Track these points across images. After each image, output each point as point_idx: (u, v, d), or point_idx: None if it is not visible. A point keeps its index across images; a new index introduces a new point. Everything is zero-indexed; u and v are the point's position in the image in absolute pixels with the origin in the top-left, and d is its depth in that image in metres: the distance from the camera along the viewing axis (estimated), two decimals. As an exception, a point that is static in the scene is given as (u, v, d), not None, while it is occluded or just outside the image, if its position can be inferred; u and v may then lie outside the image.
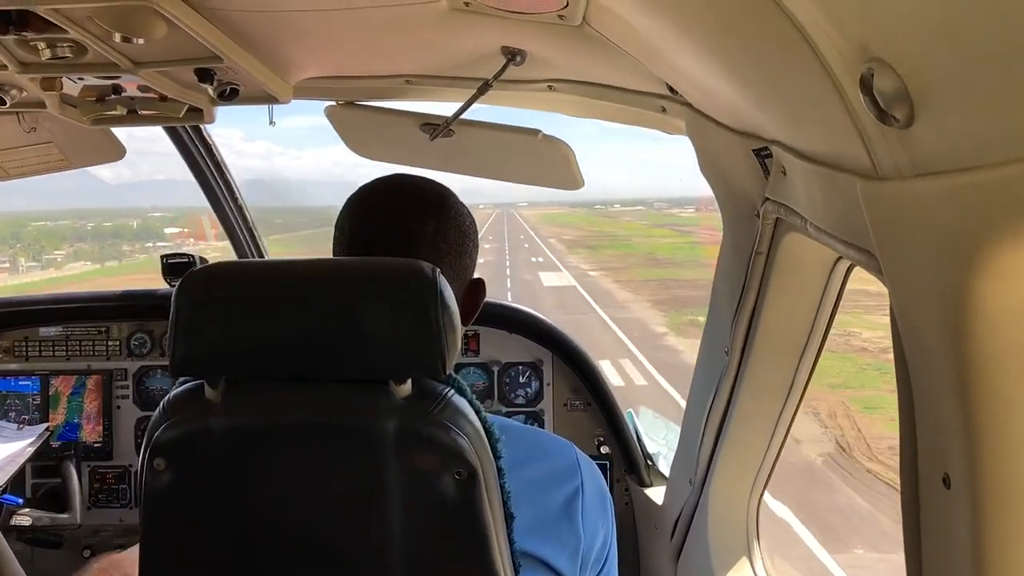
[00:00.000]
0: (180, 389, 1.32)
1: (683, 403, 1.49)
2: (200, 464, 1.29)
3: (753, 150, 1.43)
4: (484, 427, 1.30)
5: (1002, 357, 0.82)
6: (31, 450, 2.84)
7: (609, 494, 1.63)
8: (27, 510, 2.82)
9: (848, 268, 1.59)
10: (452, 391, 1.29)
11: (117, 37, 1.64)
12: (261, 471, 1.29)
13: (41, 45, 1.74)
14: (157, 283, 3.20)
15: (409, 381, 1.26)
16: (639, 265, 46.13)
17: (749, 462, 2.02)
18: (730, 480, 2.08)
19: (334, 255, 1.56)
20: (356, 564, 1.31)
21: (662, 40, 1.39)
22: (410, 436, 1.24)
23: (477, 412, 1.31)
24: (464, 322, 1.43)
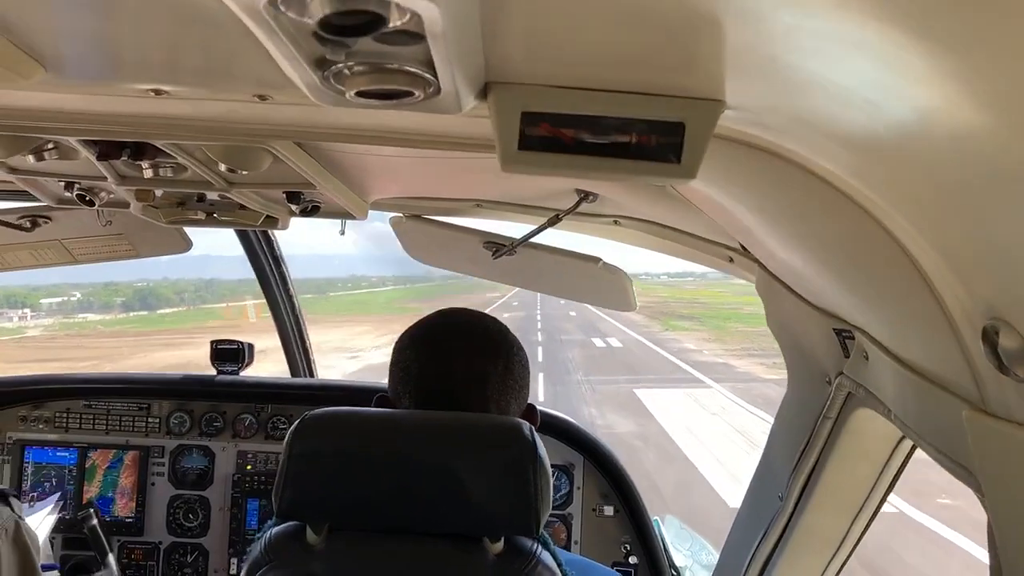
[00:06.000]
0: (281, 530, 1.37)
1: None
2: None
3: (834, 328, 1.50)
4: None
5: None
6: (52, 518, 2.86)
7: None
8: None
9: (913, 446, 1.65)
10: (539, 547, 1.35)
11: (222, 167, 1.72)
12: None
13: (144, 164, 1.82)
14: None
15: (502, 538, 1.32)
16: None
17: None
18: None
19: (392, 389, 1.57)
20: None
21: (750, 222, 1.47)
22: None
23: (559, 565, 1.37)
24: None
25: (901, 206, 0.94)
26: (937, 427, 1.17)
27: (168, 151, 1.66)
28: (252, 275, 3.37)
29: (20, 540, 1.61)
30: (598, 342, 31.21)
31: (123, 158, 1.71)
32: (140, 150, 1.70)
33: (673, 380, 21.81)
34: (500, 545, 1.32)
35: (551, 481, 1.36)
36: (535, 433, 1.35)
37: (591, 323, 39.44)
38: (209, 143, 1.58)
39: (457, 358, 1.54)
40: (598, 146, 0.91)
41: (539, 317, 40.45)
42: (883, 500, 1.78)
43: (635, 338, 32.31)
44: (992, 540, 1.07)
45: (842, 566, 1.92)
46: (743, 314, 43.72)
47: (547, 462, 1.34)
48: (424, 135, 1.37)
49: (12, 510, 1.63)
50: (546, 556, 1.35)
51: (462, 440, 1.35)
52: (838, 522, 1.84)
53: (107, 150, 1.68)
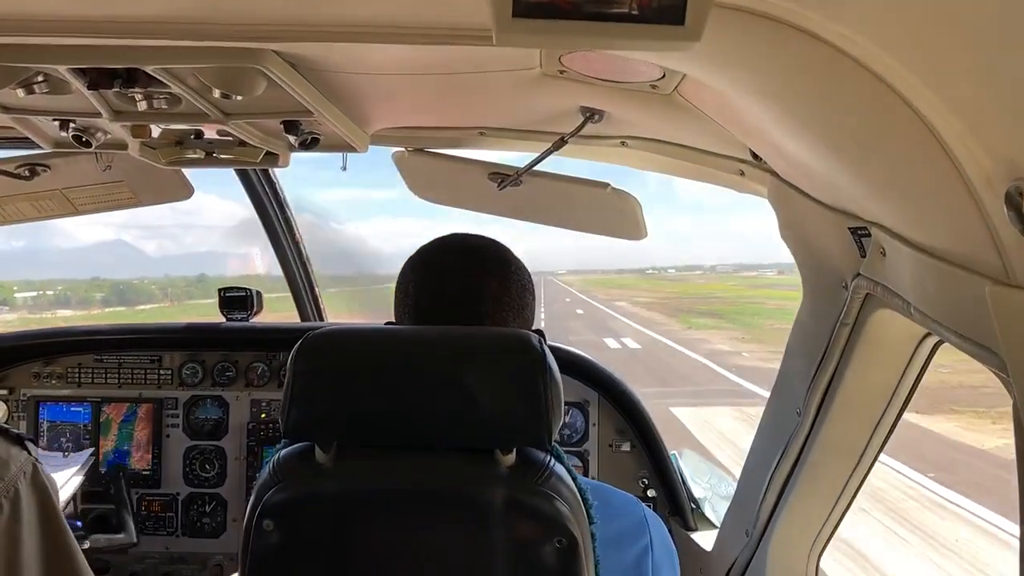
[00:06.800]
0: (289, 451, 1.35)
1: None
2: (308, 527, 1.31)
3: (849, 228, 1.46)
4: (580, 494, 1.34)
5: None
6: (79, 479, 2.87)
7: (674, 547, 1.65)
8: (83, 534, 2.86)
9: (935, 345, 1.61)
10: (552, 459, 1.32)
11: (216, 93, 1.68)
12: (368, 536, 1.32)
13: (138, 96, 1.78)
14: None
15: (514, 450, 1.29)
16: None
17: (813, 518, 2.03)
18: (792, 534, 2.10)
19: (396, 315, 1.58)
20: None
21: (760, 117, 1.42)
22: (516, 506, 1.27)
23: (573, 479, 1.34)
24: None
25: (914, 63, 0.90)
26: (959, 311, 1.14)
27: (160, 78, 1.62)
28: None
29: (39, 482, 1.60)
30: (612, 343, 26.07)
31: (115, 88, 1.67)
32: (132, 78, 1.66)
33: (718, 394, 16.12)
34: (512, 457, 1.30)
35: (561, 392, 1.33)
36: (544, 344, 1.32)
37: (601, 321, 36.37)
38: (198, 63, 1.53)
39: (451, 276, 1.54)
40: (597, 12, 0.86)
41: (543, 316, 35.91)
42: (903, 407, 1.74)
43: (655, 338, 26.83)
44: (1019, 422, 1.04)
45: (863, 479, 1.90)
46: (768, 309, 40.79)
47: (557, 372, 1.31)
48: (415, 27, 1.33)
49: (29, 453, 1.62)
50: (559, 468, 1.32)
51: (469, 352, 1.33)
52: (858, 433, 1.81)
53: (98, 79, 1.64)
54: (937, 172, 0.99)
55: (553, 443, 1.34)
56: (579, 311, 41.21)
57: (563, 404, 1.34)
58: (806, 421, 1.85)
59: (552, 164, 2.37)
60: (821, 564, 2.12)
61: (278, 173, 3.14)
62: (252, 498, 1.34)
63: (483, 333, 1.39)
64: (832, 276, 1.65)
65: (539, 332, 1.61)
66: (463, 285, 1.52)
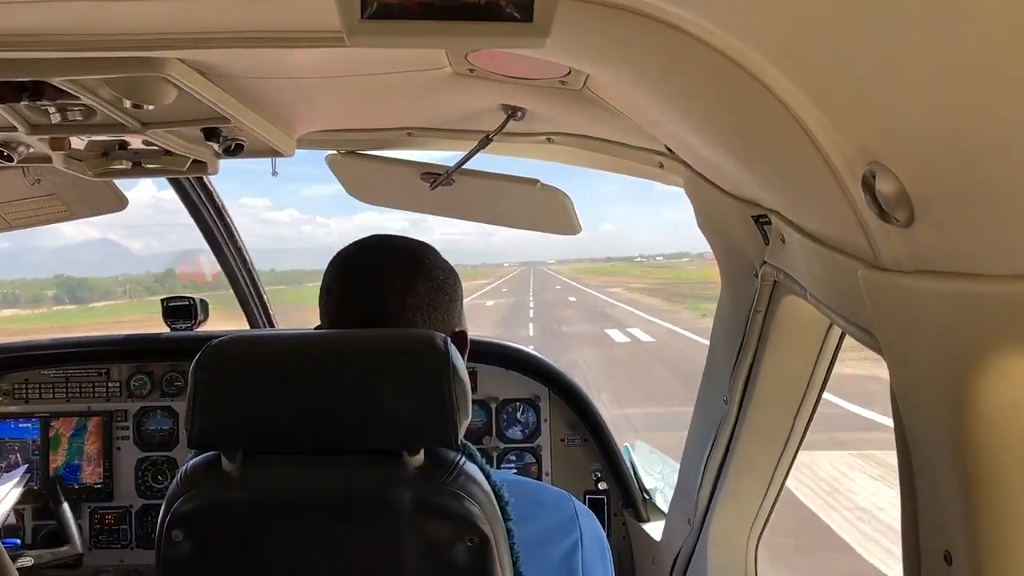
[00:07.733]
0: (196, 461, 1.35)
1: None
2: (217, 536, 1.31)
3: (752, 216, 1.48)
4: (494, 491, 1.34)
5: (1001, 446, 0.86)
6: (17, 491, 2.85)
7: (607, 542, 1.65)
8: (26, 551, 2.83)
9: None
10: (463, 458, 1.33)
11: (127, 103, 1.67)
12: (278, 543, 1.32)
13: (51, 109, 1.77)
14: None
15: (422, 451, 1.29)
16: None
17: (748, 505, 2.06)
18: (729, 522, 2.12)
19: (321, 316, 1.58)
20: None
21: (661, 112, 1.43)
22: (424, 506, 1.27)
23: (487, 476, 1.34)
24: None
25: (769, 52, 0.91)
26: (842, 295, 1.15)
27: (68, 90, 1.61)
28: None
29: None
30: (616, 335, 21.56)
31: (24, 102, 1.66)
32: (39, 91, 1.65)
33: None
34: (420, 458, 1.29)
35: (468, 391, 1.33)
36: (449, 343, 1.32)
37: (597, 309, 33.04)
38: (101, 74, 1.52)
39: (360, 276, 1.54)
40: (446, 9, 0.87)
41: (531, 304, 33.43)
42: (821, 391, 1.77)
43: (669, 328, 21.70)
44: (895, 400, 1.06)
45: (790, 465, 1.92)
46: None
47: (463, 372, 1.32)
48: (306, 31, 1.33)
49: None
50: (470, 467, 1.32)
51: (372, 355, 1.32)
52: (781, 419, 1.83)
53: (3, 93, 1.63)
54: (807, 160, 1.00)
55: (464, 442, 1.34)
56: (571, 298, 39.02)
57: (470, 403, 1.35)
58: (732, 408, 1.87)
59: (508, 165, 2.39)
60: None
61: (213, 179, 3.12)
62: (162, 508, 1.34)
63: (387, 336, 1.39)
64: (744, 264, 1.67)
65: (460, 334, 1.61)
66: (369, 285, 1.52)
